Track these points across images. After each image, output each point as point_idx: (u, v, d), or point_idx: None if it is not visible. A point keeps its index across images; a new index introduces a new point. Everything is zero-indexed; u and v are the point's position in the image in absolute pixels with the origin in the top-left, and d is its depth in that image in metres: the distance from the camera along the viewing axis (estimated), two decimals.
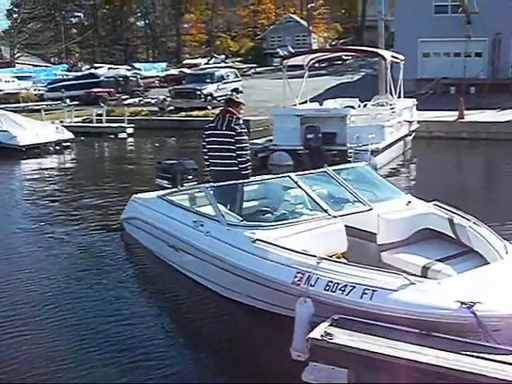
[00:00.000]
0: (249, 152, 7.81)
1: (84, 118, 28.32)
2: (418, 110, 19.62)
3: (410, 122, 18.37)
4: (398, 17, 32.19)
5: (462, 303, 4.47)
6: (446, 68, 30.08)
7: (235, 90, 33.68)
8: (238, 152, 7.70)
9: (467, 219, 6.27)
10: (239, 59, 60.64)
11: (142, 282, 7.83)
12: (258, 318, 5.93)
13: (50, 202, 12.87)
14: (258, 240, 5.72)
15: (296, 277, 5.15)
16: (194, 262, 6.76)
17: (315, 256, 5.26)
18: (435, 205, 6.77)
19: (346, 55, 40.11)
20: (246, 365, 5.44)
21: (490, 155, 18.85)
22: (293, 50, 44.08)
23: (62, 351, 5.73)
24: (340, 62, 46.66)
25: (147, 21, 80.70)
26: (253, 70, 49.87)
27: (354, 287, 4.84)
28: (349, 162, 14.79)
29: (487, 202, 11.94)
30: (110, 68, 44.86)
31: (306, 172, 7.17)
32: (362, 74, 40.02)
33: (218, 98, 31.76)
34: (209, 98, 31.36)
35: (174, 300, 7.05)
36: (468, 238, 6.05)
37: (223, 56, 60.13)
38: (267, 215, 6.78)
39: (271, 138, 16.77)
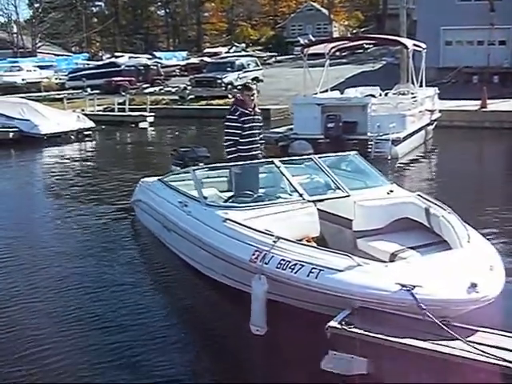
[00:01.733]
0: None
1: (105, 106, 28.46)
2: (439, 99, 19.44)
3: (432, 111, 18.21)
4: (420, 5, 31.80)
5: (402, 286, 4.54)
6: (468, 56, 29.67)
7: (256, 78, 33.67)
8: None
9: (443, 209, 6.30)
10: (260, 48, 60.44)
11: (137, 262, 8.15)
12: (234, 296, 6.11)
13: (69, 186, 13.43)
14: (227, 220, 5.99)
15: (254, 254, 5.35)
16: (179, 241, 7.08)
17: (273, 235, 5.42)
18: (418, 195, 6.82)
19: (367, 44, 39.69)
20: (210, 337, 5.85)
21: None
22: (313, 39, 43.90)
23: (60, 315, 6.21)
24: (361, 51, 46.28)
25: (168, 10, 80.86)
26: (273, 59, 49.64)
27: (303, 266, 4.97)
28: (369, 151, 14.77)
29: (508, 192, 11.78)
30: (130, 57, 44.98)
31: (293, 158, 7.57)
32: (384, 62, 39.64)
33: (239, 87, 31.78)
34: (229, 86, 31.37)
35: (161, 278, 7.47)
36: (440, 227, 6.11)
37: (244, 45, 59.95)
38: (246, 197, 6.95)
39: (291, 126, 16.73)
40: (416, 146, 16.57)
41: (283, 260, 5.12)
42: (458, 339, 4.20)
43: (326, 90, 18.45)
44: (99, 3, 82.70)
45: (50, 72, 43.59)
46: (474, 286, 4.55)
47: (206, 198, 6.76)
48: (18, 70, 41.48)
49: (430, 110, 17.91)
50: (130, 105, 26.73)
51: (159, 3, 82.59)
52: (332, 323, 4.51)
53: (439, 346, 4.17)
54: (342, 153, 8.42)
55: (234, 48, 55.25)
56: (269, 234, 5.53)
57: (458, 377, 4.08)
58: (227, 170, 8.00)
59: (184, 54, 55.11)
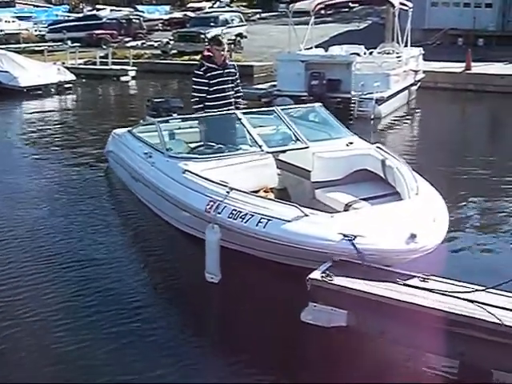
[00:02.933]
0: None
1: (86, 60, 27.98)
2: (424, 60, 19.32)
3: (416, 72, 18.13)
4: None
5: (344, 235, 4.69)
6: (454, 18, 29.39)
7: (239, 34, 33.24)
8: None
9: (398, 161, 6.46)
10: (244, 4, 59.53)
11: (105, 209, 8.34)
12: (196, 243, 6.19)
13: (46, 136, 13.57)
14: (186, 171, 6.15)
15: (208, 205, 5.55)
16: (145, 191, 7.28)
17: (227, 186, 5.59)
18: (377, 147, 6.94)
19: (353, 2, 39.24)
20: (167, 284, 6.06)
21: (495, 108, 18.61)
22: None
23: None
24: (347, 10, 45.67)
25: None
26: (257, 16, 48.96)
27: (253, 216, 5.15)
28: (353, 110, 14.73)
29: (487, 154, 11.85)
30: (112, 10, 43.98)
31: (256, 110, 7.68)
32: (369, 22, 39.26)
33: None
34: None
35: (125, 225, 7.78)
36: (394, 178, 6.26)
37: (228, 0, 59.02)
38: (206, 148, 7.05)
39: (275, 83, 16.59)
40: (399, 105, 16.54)
41: (235, 210, 5.30)
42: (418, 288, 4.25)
43: (311, 48, 18.26)
44: None
45: (29, 23, 42.67)
46: (413, 236, 4.71)
47: (168, 149, 6.89)
48: None
49: (414, 71, 17.83)
50: (111, 58, 26.33)
51: None
52: (313, 275, 4.52)
53: (417, 298, 4.21)
54: (306, 105, 8.59)
55: (217, 3, 54.35)
56: (223, 185, 5.68)
57: (434, 328, 4.13)
58: (196, 121, 7.98)
59: (167, 8, 54.04)
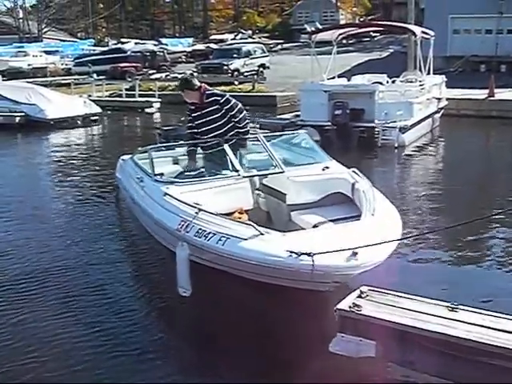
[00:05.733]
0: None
1: (111, 92, 28.44)
2: (447, 87, 19.35)
3: (439, 99, 18.15)
4: None
5: (291, 252, 4.97)
6: (476, 45, 29.47)
7: (262, 65, 33.62)
8: None
9: (367, 184, 6.78)
10: (266, 35, 60.23)
11: (108, 231, 8.87)
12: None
13: (71, 166, 14.15)
14: (166, 194, 6.61)
15: (180, 224, 5.96)
16: (139, 213, 7.66)
17: (196, 208, 6.00)
18: (353, 171, 7.23)
19: (374, 31, 39.59)
20: (142, 298, 6.57)
21: None
22: (320, 26, 43.68)
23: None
24: (368, 39, 46.19)
25: None
26: (279, 46, 49.54)
27: (214, 235, 5.54)
28: (376, 138, 14.76)
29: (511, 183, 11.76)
30: (136, 43, 44.87)
31: (238, 137, 7.75)
32: (391, 50, 39.54)
33: (245, 74, 31.72)
34: (235, 73, 31.34)
35: (125, 246, 8.37)
36: (360, 201, 6.54)
37: (250, 31, 59.80)
38: (189, 173, 7.51)
39: (298, 113, 16.69)
40: (423, 133, 16.52)
41: (200, 229, 5.70)
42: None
43: (333, 77, 18.39)
44: None
45: (56, 57, 43.55)
46: (354, 254, 4.97)
47: (155, 174, 7.29)
48: (24, 56, 41.51)
49: (437, 98, 17.84)
50: (134, 90, 26.74)
51: None
52: (341, 305, 4.51)
53: (445, 327, 4.19)
54: (292, 132, 9.15)
55: (240, 35, 55.11)
56: (194, 206, 6.07)
57: (463, 358, 4.09)
58: (185, 149, 8.28)
59: (190, 40, 54.91)
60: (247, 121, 7.80)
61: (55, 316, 5.97)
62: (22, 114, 19.99)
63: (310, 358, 4.97)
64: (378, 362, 4.52)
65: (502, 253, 7.75)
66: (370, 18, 62.60)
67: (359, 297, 4.65)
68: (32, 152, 16.91)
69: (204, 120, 7.61)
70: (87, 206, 10.23)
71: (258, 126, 18.58)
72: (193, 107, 7.73)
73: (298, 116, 16.55)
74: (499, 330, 4.13)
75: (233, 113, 7.61)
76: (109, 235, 8.63)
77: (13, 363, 5.10)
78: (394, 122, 14.53)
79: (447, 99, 19.08)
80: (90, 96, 25.86)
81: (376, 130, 14.74)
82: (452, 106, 19.52)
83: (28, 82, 25.48)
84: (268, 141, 7.69)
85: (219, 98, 7.62)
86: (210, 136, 7.61)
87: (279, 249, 5.13)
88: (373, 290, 4.72)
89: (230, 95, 7.96)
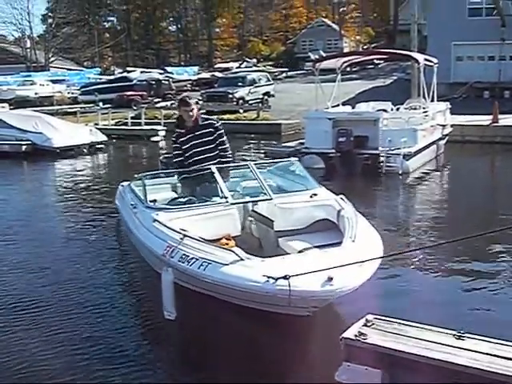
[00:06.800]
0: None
1: (117, 121, 28.66)
2: (451, 113, 19.43)
3: (444, 126, 18.20)
4: (431, 20, 31.91)
5: (269, 277, 5.05)
6: (479, 72, 29.72)
7: (267, 93, 33.83)
8: None
9: (352, 210, 6.86)
10: (270, 63, 60.71)
11: (104, 254, 9.06)
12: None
13: (76, 193, 14.33)
14: (156, 220, 6.73)
15: (165, 249, 6.06)
16: (133, 238, 7.76)
17: (181, 233, 6.11)
18: (341, 198, 7.32)
19: (378, 59, 39.92)
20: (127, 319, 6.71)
21: None
22: (324, 54, 44.06)
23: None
24: (372, 66, 46.48)
25: (179, 25, 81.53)
26: (284, 74, 49.87)
27: (197, 260, 5.64)
28: (381, 165, 14.79)
29: None
30: (142, 72, 45.30)
31: (232, 165, 8.08)
32: (395, 78, 39.76)
33: (250, 102, 31.92)
34: (240, 101, 31.55)
35: (122, 270, 8.55)
36: (344, 227, 6.58)
37: (255, 60, 60.32)
38: (179, 200, 7.65)
39: (303, 140, 16.78)
40: (427, 160, 16.55)
41: (184, 255, 5.79)
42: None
43: (338, 105, 18.50)
44: (111, 18, 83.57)
45: (63, 86, 44.05)
46: (329, 279, 5.00)
47: (146, 201, 7.43)
48: (31, 84, 41.99)
49: (441, 125, 17.91)
50: (139, 119, 26.95)
51: (171, 19, 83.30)
52: (346, 334, 4.50)
53: (452, 356, 4.16)
54: (283, 160, 9.19)
55: (245, 63, 55.59)
56: (180, 232, 6.17)
57: None
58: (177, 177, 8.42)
59: (195, 69, 55.43)
60: (230, 152, 8.10)
61: (44, 332, 6.19)
62: (29, 142, 20.19)
63: None
64: None
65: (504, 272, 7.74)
66: (373, 45, 63.12)
67: (365, 325, 4.63)
68: (38, 179, 17.07)
69: (195, 142, 7.73)
70: (88, 231, 10.39)
71: (263, 153, 18.73)
72: (182, 131, 7.80)
73: (302, 143, 16.62)
74: (507, 359, 4.11)
75: (222, 139, 7.92)
76: (105, 258, 8.82)
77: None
78: (398, 148, 14.58)
79: (451, 125, 19.16)
80: (96, 124, 26.08)
81: (380, 156, 14.78)
82: (456, 133, 19.60)
83: (35, 111, 25.67)
84: (261, 168, 7.94)
85: (214, 122, 7.96)
86: (199, 159, 7.73)
87: (257, 274, 5.21)
88: (378, 319, 4.70)
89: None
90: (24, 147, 20.06)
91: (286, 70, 52.63)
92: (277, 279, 4.99)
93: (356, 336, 4.47)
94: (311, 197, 7.52)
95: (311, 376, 5.09)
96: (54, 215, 12.05)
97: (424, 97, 17.14)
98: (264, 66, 54.17)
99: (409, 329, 4.57)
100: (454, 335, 4.44)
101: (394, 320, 4.67)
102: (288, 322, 5.40)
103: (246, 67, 51.13)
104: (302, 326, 5.55)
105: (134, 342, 6.05)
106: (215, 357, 5.49)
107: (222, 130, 7.94)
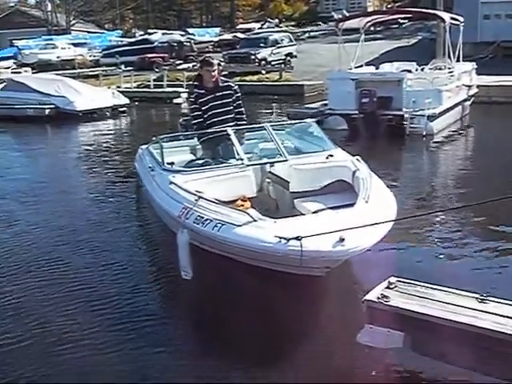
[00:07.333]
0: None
1: (139, 83, 28.62)
2: (477, 74, 19.05)
3: (469, 87, 17.88)
4: None
5: (280, 238, 5.09)
6: (507, 30, 28.95)
7: (289, 54, 33.46)
8: None
9: (367, 171, 6.87)
10: (293, 23, 59.87)
11: (125, 218, 9.14)
12: None
13: (99, 156, 14.49)
14: (172, 182, 6.79)
15: (181, 211, 6.12)
16: (151, 200, 7.84)
17: (196, 195, 6.16)
18: (356, 159, 7.30)
19: (402, 18, 39.05)
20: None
21: None
22: (347, 14, 43.30)
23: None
24: (396, 26, 45.53)
25: None
26: (307, 35, 49.12)
27: (211, 221, 5.70)
28: (404, 127, 14.61)
29: None
30: (163, 33, 44.91)
31: (248, 127, 8.11)
32: (419, 37, 38.95)
33: (272, 63, 31.61)
34: (263, 62, 31.25)
35: (140, 231, 8.69)
36: (359, 188, 6.53)
37: (277, 20, 59.46)
38: (196, 162, 7.76)
39: (326, 102, 16.61)
40: (452, 121, 16.30)
41: (199, 216, 5.86)
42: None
43: (361, 66, 18.24)
44: None
45: (84, 49, 43.90)
46: (341, 240, 5.02)
47: (164, 163, 7.49)
48: (53, 48, 41.94)
49: (467, 86, 17.59)
50: (162, 81, 26.85)
51: None
52: (369, 296, 4.49)
53: (475, 319, 4.14)
54: (300, 121, 9.24)
55: (267, 24, 54.88)
56: (195, 194, 6.23)
57: (490, 350, 4.05)
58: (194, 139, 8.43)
59: (217, 30, 54.85)
60: (245, 115, 8.19)
61: (61, 290, 6.34)
62: (52, 106, 20.30)
63: (337, 348, 4.99)
64: (405, 354, 4.50)
65: None
66: (397, 4, 61.74)
67: (387, 288, 4.62)
68: (61, 143, 17.26)
69: (216, 103, 7.76)
70: (108, 193, 10.61)
71: (285, 115, 18.59)
72: (202, 91, 7.78)
73: (325, 105, 16.47)
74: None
75: (239, 102, 8.06)
76: (124, 219, 8.99)
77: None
78: (423, 109, 14.38)
79: (477, 86, 18.80)
80: (118, 87, 26.08)
81: (404, 118, 14.58)
82: (483, 94, 19.23)
83: (57, 75, 25.72)
84: (277, 130, 7.97)
85: (233, 85, 8.06)
86: (218, 120, 7.76)
87: (269, 234, 5.25)
88: (401, 281, 4.69)
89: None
90: (47, 111, 20.18)
91: (309, 30, 51.76)
92: (289, 240, 5.04)
93: (378, 298, 4.46)
94: (327, 158, 7.51)
95: (332, 337, 5.12)
96: (75, 177, 12.30)
97: (449, 57, 16.77)
98: (286, 27, 53.47)
99: (431, 291, 4.54)
100: (477, 298, 4.41)
101: (417, 282, 4.65)
102: (308, 284, 5.43)
103: (268, 28, 50.49)
104: (323, 288, 5.57)
105: (151, 300, 6.18)
106: (231, 314, 5.59)
107: (240, 93, 8.07)
